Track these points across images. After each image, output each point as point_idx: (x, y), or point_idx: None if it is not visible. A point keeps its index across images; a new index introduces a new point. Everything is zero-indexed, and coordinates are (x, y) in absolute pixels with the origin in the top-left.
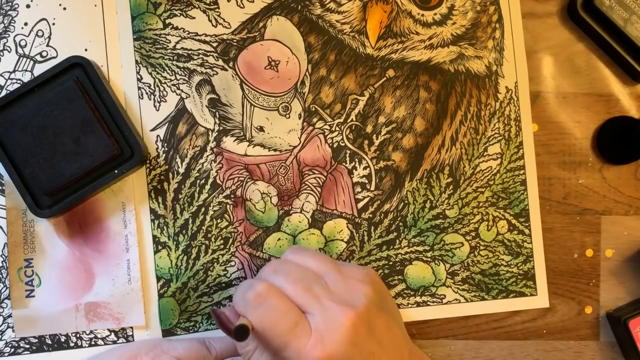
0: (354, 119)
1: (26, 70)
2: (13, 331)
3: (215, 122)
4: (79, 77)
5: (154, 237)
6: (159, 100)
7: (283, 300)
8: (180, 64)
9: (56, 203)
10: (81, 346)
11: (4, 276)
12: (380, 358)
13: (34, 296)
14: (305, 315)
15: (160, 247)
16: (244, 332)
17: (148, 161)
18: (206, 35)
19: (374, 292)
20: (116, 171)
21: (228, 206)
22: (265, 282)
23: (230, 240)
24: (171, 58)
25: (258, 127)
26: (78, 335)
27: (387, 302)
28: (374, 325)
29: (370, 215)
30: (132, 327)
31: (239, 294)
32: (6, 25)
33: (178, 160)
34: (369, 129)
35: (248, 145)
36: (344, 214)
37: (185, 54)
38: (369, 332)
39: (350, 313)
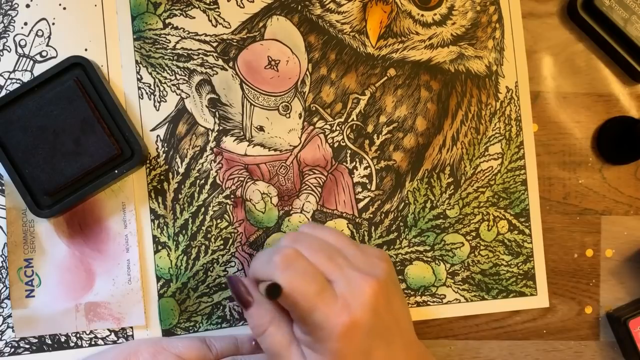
0: (355, 119)
1: (26, 70)
2: (13, 331)
3: (215, 122)
4: (79, 77)
5: (154, 237)
6: (159, 100)
7: (310, 264)
8: (180, 64)
9: (56, 203)
10: (81, 346)
11: (4, 276)
12: (395, 335)
13: (34, 296)
14: (329, 283)
15: (160, 247)
16: (277, 290)
17: (148, 161)
18: (206, 35)
19: (391, 270)
20: (116, 171)
21: (228, 206)
22: (291, 247)
23: (230, 240)
24: (171, 58)
25: (258, 127)
26: (78, 335)
27: (398, 283)
28: (391, 299)
29: (371, 215)
30: (132, 327)
31: (262, 259)
32: (6, 25)
33: (178, 160)
34: (369, 128)
35: (248, 145)
36: (344, 214)
37: (185, 54)
38: (387, 305)
39: (372, 282)
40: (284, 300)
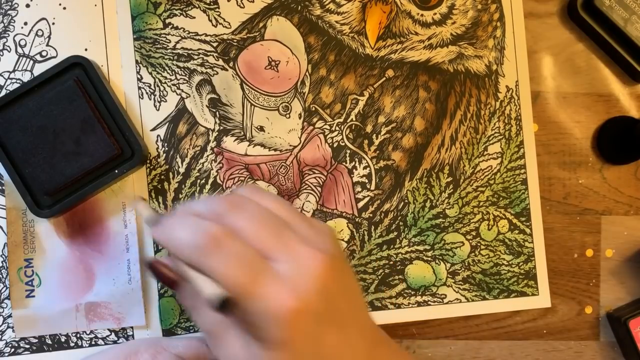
0: (354, 119)
1: (26, 70)
2: (13, 331)
3: (215, 122)
4: (79, 76)
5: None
6: (159, 100)
7: (245, 245)
8: (181, 64)
9: (56, 203)
10: (81, 346)
11: (4, 276)
12: (349, 318)
13: (34, 296)
14: (270, 262)
15: (160, 247)
16: (229, 304)
17: (148, 161)
18: (206, 35)
19: (339, 245)
20: (116, 171)
21: None
22: (221, 225)
23: None
24: (171, 58)
25: (258, 127)
26: (78, 335)
27: (349, 263)
28: (344, 278)
29: (371, 215)
30: (132, 327)
31: (184, 235)
32: (6, 24)
33: (178, 160)
34: (368, 128)
35: (248, 145)
36: (344, 214)
37: (186, 54)
38: (340, 284)
39: (324, 257)
40: None
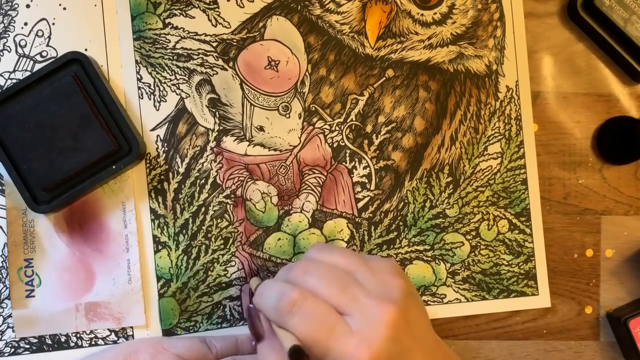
0: (354, 119)
1: (26, 70)
2: (13, 331)
3: (215, 122)
4: (76, 72)
5: (154, 236)
6: (159, 100)
7: (319, 304)
8: (180, 64)
9: (54, 198)
10: (81, 346)
11: (4, 276)
12: (417, 354)
13: (34, 296)
14: (343, 317)
15: (160, 247)
16: (300, 353)
17: (148, 161)
18: (206, 35)
19: (405, 284)
20: (114, 167)
21: (228, 206)
22: (297, 288)
23: (231, 240)
24: (171, 58)
25: (258, 127)
26: (78, 335)
27: (414, 291)
28: (410, 318)
29: (371, 215)
30: (132, 327)
31: (269, 299)
32: (6, 25)
33: (178, 160)
34: (368, 128)
35: (248, 145)
36: (344, 214)
37: (185, 54)
38: (407, 326)
39: (390, 308)
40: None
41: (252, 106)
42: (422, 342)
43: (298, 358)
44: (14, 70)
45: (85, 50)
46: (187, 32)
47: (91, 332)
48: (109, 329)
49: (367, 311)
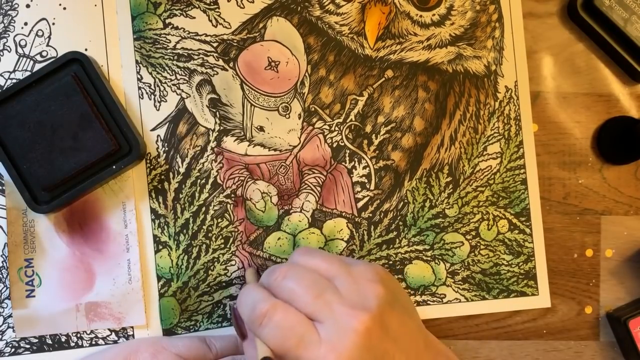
0: (353, 119)
1: (26, 70)
2: (13, 331)
3: (215, 122)
4: (76, 72)
5: (155, 236)
6: (159, 100)
7: (288, 314)
8: (181, 64)
9: (54, 198)
10: (82, 346)
11: (4, 276)
12: (395, 355)
13: (34, 296)
14: (315, 324)
15: (160, 247)
16: None
17: (148, 161)
18: (206, 35)
19: (385, 291)
20: (114, 167)
21: (228, 206)
22: (269, 300)
23: (231, 239)
24: (171, 58)
25: (258, 127)
26: (78, 335)
27: (398, 297)
28: (387, 324)
29: (370, 215)
30: (132, 327)
31: (245, 311)
32: (6, 25)
33: (178, 160)
34: (368, 128)
35: (248, 145)
36: (343, 213)
37: (186, 54)
38: (383, 333)
39: (363, 317)
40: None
41: (252, 106)
42: (405, 346)
43: None
44: (14, 70)
45: (85, 50)
46: (187, 32)
47: (91, 332)
48: (109, 329)
49: (339, 319)
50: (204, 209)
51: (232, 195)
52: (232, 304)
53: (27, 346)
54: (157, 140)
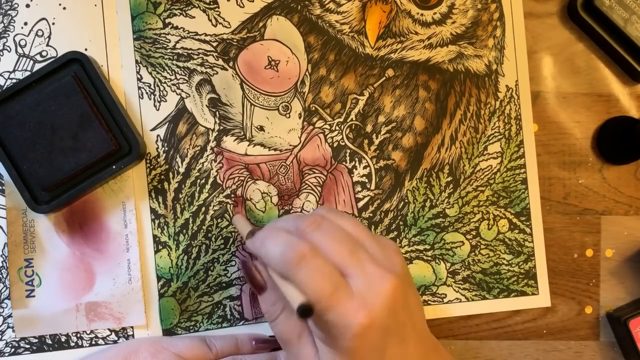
0: (354, 119)
1: (26, 70)
2: (13, 331)
3: (215, 122)
4: (76, 72)
5: (155, 236)
6: (159, 99)
7: (325, 262)
8: (180, 64)
9: (54, 198)
10: (82, 346)
11: (4, 276)
12: (410, 334)
13: (34, 296)
14: (346, 278)
15: (160, 247)
16: (309, 311)
17: (148, 161)
18: (206, 35)
19: (404, 262)
20: (114, 166)
21: (228, 206)
22: (307, 242)
23: (231, 239)
24: (171, 58)
25: (258, 127)
26: (78, 335)
27: (412, 277)
28: (408, 295)
29: (371, 215)
30: (132, 327)
31: (276, 249)
32: (6, 25)
33: (178, 159)
34: (368, 128)
35: (248, 145)
36: None
37: (185, 54)
38: (404, 302)
39: (392, 279)
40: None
41: (252, 106)
42: (416, 325)
43: (306, 315)
44: (14, 70)
45: (85, 50)
46: (187, 32)
47: (91, 332)
48: (109, 329)
49: (371, 277)
50: (203, 209)
51: (232, 195)
52: (243, 258)
53: (27, 346)
54: (157, 140)
